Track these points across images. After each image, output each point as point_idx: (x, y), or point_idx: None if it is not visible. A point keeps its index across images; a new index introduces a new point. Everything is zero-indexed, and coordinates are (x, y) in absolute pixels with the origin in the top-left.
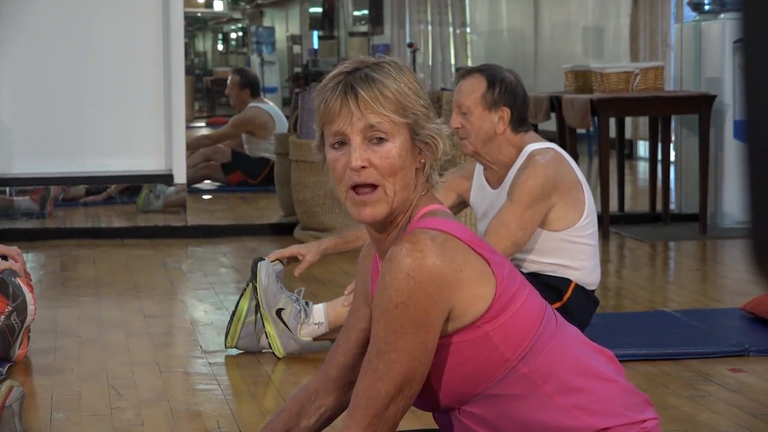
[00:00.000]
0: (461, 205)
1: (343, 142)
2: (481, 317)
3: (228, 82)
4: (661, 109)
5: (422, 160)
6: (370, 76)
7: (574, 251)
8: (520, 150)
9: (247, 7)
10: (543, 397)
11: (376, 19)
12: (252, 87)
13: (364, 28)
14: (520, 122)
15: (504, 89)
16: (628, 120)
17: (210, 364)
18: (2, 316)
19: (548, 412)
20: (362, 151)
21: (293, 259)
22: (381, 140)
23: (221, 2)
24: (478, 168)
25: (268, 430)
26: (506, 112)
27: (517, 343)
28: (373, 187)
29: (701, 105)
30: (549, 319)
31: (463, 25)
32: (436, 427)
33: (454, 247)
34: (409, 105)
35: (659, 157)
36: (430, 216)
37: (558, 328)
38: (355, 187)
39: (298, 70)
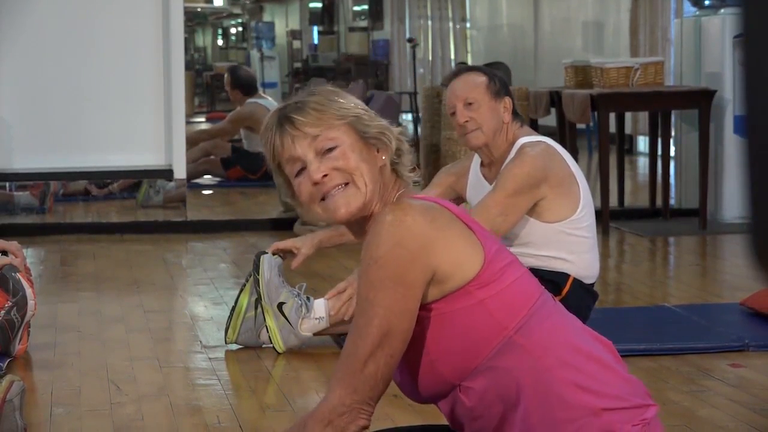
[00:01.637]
0: (457, 200)
1: (302, 169)
2: (470, 283)
3: (224, 79)
4: (661, 104)
5: (383, 157)
6: (300, 102)
7: (570, 244)
8: (512, 144)
9: (247, 2)
10: (542, 371)
11: (376, 15)
12: (243, 87)
13: (364, 23)
14: (515, 113)
15: (499, 81)
16: (628, 115)
17: (210, 359)
18: (2, 312)
19: (547, 386)
20: (318, 164)
21: (289, 253)
22: (331, 149)
23: None
24: (475, 164)
25: None
26: (508, 102)
27: (513, 312)
28: (344, 185)
29: (701, 100)
30: (546, 299)
31: (463, 20)
32: (441, 423)
33: (437, 210)
34: (345, 110)
35: (659, 152)
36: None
37: (556, 311)
38: (323, 198)
39: (298, 65)
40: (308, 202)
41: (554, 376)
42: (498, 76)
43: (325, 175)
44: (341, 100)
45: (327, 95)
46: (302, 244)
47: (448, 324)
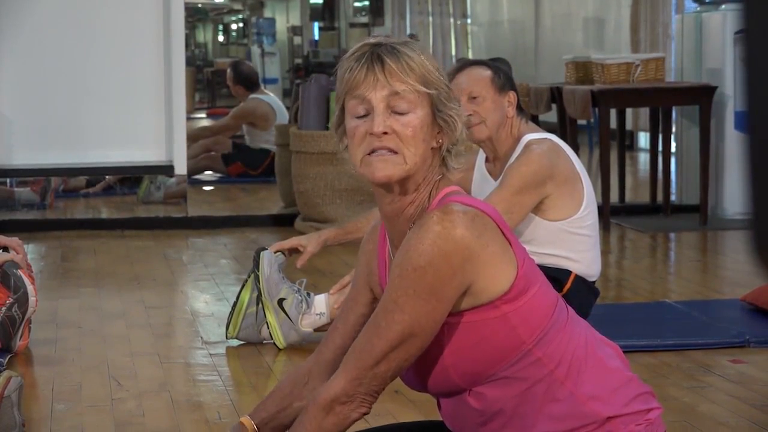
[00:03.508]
0: None
1: (365, 113)
2: (500, 298)
3: (226, 75)
4: (661, 100)
5: (440, 140)
6: (396, 49)
7: (573, 242)
8: (518, 140)
9: None
10: (554, 383)
11: (376, 10)
12: (245, 82)
13: (364, 19)
14: (520, 108)
15: (504, 75)
16: (629, 111)
17: (211, 355)
18: (3, 308)
19: (557, 397)
20: (385, 118)
21: (294, 251)
22: (402, 112)
23: None
24: (479, 160)
25: (260, 410)
26: (513, 96)
27: (533, 327)
28: (393, 152)
29: (702, 96)
30: (562, 308)
31: (464, 16)
32: (438, 419)
33: (483, 224)
34: (432, 80)
35: (660, 148)
36: (455, 194)
37: (570, 318)
38: (372, 151)
39: (298, 61)
40: (357, 146)
41: (566, 387)
42: (503, 71)
43: (385, 133)
44: (432, 65)
45: (422, 53)
46: (308, 243)
47: (469, 333)
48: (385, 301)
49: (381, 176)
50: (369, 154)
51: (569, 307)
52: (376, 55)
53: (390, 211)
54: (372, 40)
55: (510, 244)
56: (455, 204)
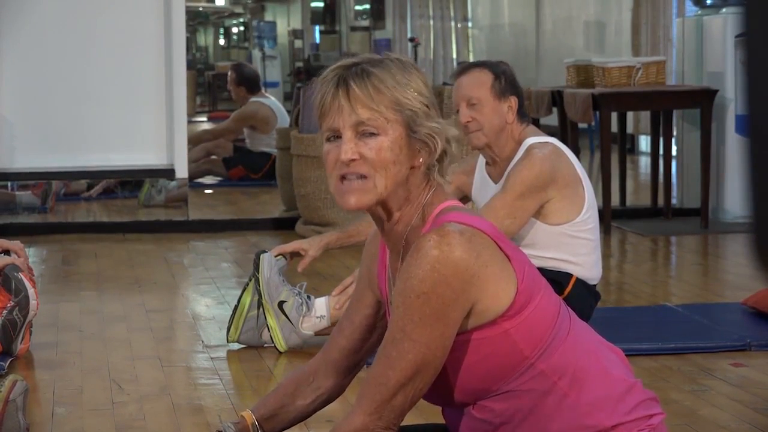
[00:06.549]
0: (463, 200)
1: (336, 136)
2: (502, 315)
3: (228, 77)
4: (662, 104)
5: (420, 160)
6: (366, 71)
7: (574, 246)
8: (519, 144)
9: (249, 1)
10: (557, 394)
11: (377, 14)
12: (248, 84)
13: (365, 23)
14: (522, 113)
15: (507, 79)
16: (630, 114)
17: (212, 358)
18: (4, 311)
19: (561, 408)
20: (353, 144)
21: (295, 255)
22: (373, 134)
23: None
24: (480, 163)
25: (261, 406)
26: (514, 101)
27: (535, 341)
28: (363, 177)
29: (703, 99)
30: (564, 316)
31: (465, 19)
32: (441, 422)
33: (481, 243)
34: (406, 101)
35: (661, 151)
36: (451, 211)
37: (572, 325)
38: (343, 177)
39: (299, 64)
40: (329, 172)
41: (569, 398)
42: (507, 74)
43: (354, 159)
44: (407, 86)
45: (397, 72)
46: (309, 246)
47: (471, 352)
48: (393, 331)
49: (351, 206)
50: (341, 180)
51: (572, 313)
52: (343, 80)
53: (380, 227)
54: (348, 61)
55: (509, 259)
56: (451, 224)
